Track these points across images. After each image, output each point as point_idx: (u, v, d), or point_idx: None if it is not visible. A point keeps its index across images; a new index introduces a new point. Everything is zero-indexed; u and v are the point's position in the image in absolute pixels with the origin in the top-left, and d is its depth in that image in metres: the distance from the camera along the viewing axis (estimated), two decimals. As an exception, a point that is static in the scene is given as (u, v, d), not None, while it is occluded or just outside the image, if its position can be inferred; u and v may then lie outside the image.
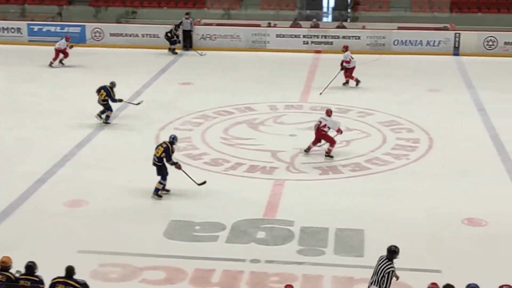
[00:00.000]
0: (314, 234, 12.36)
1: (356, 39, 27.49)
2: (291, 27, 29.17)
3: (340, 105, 20.09)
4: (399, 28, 28.46)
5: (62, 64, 24.97)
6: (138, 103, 19.11)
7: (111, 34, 27.92)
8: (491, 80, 23.17)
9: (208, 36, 28.05)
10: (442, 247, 11.85)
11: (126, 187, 14.52)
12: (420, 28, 28.41)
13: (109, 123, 18.56)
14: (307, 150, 16.35)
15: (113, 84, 18.44)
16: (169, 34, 26.92)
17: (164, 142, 13.94)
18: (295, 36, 27.94)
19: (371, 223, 12.76)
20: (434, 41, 26.87)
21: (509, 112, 19.44)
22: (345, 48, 22.30)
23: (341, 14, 32.70)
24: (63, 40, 24.93)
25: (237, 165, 15.68)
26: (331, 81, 21.54)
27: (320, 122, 16.12)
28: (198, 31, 27.97)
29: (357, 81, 22.23)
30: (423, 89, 22.12)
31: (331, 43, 27.60)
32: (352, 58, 21.94)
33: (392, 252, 9.47)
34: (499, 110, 19.59)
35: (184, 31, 27.65)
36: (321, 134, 16.16)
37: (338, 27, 29.12)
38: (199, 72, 24.08)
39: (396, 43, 26.92)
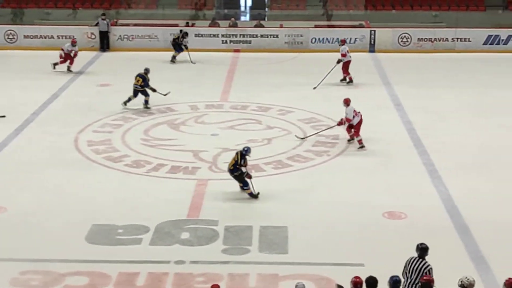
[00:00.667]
0: (238, 232, 12.38)
1: (274, 37, 27.72)
2: (209, 26, 29.16)
3: (260, 104, 20.20)
4: (316, 26, 28.82)
5: (70, 71, 23.79)
6: (166, 94, 19.89)
7: (25, 36, 27.27)
8: (406, 76, 23.71)
9: (126, 36, 27.74)
10: (364, 241, 12.06)
11: (46, 191, 14.20)
12: (337, 26, 28.87)
13: (149, 107, 19.59)
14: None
15: (147, 71, 19.69)
16: (176, 40, 26.12)
17: (237, 153, 13.79)
18: (214, 35, 27.94)
19: (295, 219, 12.87)
20: (351, 39, 27.28)
21: (424, 107, 19.95)
22: (342, 42, 22.66)
23: (259, 13, 32.90)
24: (69, 44, 23.87)
25: (159, 166, 15.55)
26: (325, 76, 21.82)
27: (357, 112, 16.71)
28: (115, 32, 27.62)
29: (351, 79, 22.48)
30: (341, 86, 22.44)
31: (250, 42, 27.75)
32: (348, 52, 22.17)
33: (424, 249, 9.47)
34: (414, 104, 20.08)
35: (101, 32, 27.25)
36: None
37: (256, 26, 29.27)
38: (117, 74, 23.77)
39: (313, 41, 27.24)
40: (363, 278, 8.85)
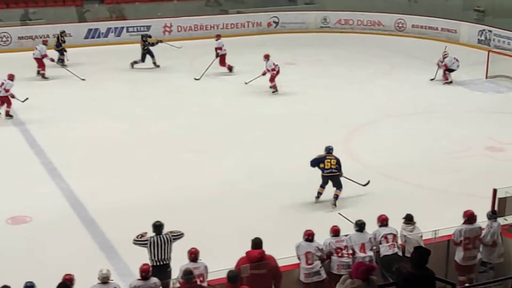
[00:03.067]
0: None
1: None
2: None
3: None
4: None
5: (45, 78, 22.41)
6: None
7: None
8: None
9: None
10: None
11: None
12: None
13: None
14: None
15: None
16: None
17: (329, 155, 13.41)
18: None
19: None
20: None
21: (34, 105, 19.55)
22: (218, 37, 23.38)
23: None
24: (41, 45, 22.57)
25: None
26: (207, 68, 22.42)
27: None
28: None
29: (230, 68, 23.21)
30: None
31: None
32: (223, 45, 23.05)
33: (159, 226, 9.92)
34: (24, 105, 19.51)
35: None
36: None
37: None
38: None
39: None
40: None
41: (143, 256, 9.77)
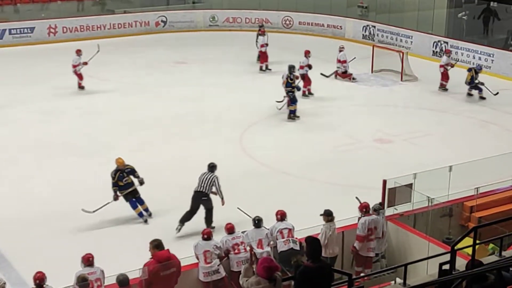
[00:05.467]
0: None
1: None
2: None
3: None
4: None
5: (81, 88, 20.94)
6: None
7: None
8: None
9: None
10: None
11: None
12: None
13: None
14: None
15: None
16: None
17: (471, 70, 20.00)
18: None
19: None
20: None
21: None
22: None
23: None
24: (75, 56, 20.77)
25: None
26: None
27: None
28: None
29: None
30: None
31: None
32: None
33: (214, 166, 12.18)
34: None
35: None
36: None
37: None
38: None
39: None
40: None
41: (35, 265, 9.46)
